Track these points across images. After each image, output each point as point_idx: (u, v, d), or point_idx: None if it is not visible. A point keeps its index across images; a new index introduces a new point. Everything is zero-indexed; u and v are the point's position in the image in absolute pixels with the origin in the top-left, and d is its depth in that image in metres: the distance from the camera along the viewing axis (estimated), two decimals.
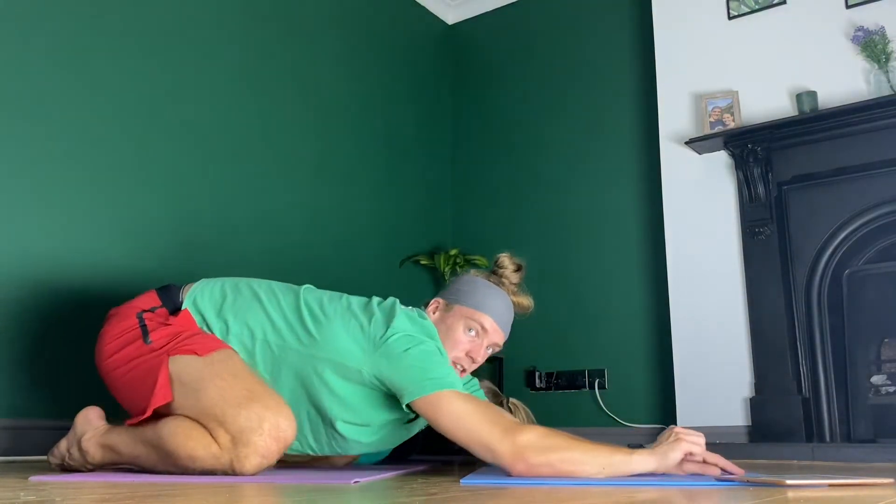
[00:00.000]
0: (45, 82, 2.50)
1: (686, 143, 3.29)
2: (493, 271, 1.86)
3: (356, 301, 1.75)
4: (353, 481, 1.44)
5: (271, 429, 1.54)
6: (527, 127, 4.07)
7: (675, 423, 3.19)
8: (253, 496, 1.13)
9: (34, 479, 1.53)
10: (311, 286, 1.82)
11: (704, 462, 1.53)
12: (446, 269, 3.79)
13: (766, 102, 3.20)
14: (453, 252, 3.84)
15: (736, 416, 3.05)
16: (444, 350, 1.69)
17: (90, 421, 1.77)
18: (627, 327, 3.55)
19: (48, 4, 2.53)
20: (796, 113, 3.05)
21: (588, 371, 3.60)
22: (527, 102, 4.10)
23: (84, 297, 2.53)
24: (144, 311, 1.75)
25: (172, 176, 2.85)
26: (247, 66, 3.20)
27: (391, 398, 1.66)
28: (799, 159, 3.08)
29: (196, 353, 1.63)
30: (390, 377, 1.60)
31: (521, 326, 1.93)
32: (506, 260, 1.85)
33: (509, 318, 1.82)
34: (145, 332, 1.70)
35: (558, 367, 3.68)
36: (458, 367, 1.76)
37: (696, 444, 1.50)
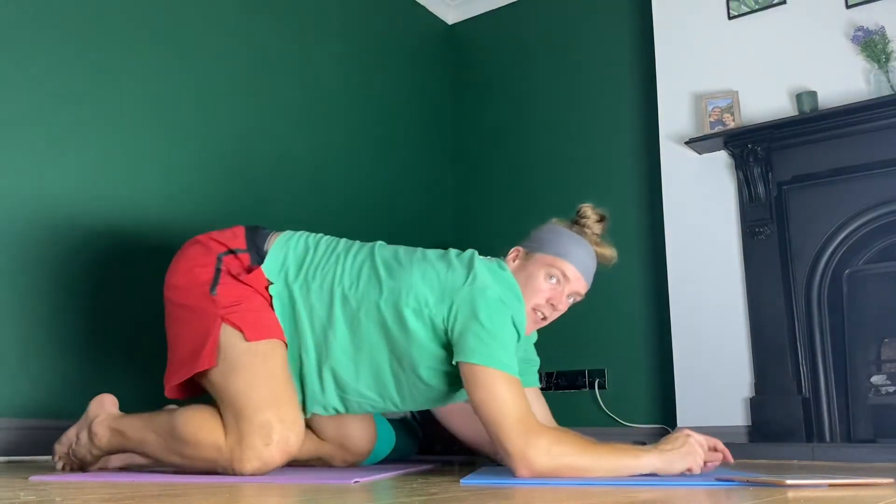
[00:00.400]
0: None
1: (686, 143, 3.29)
2: (575, 221, 1.81)
3: (432, 252, 1.75)
4: (353, 481, 1.44)
5: (280, 441, 1.56)
6: (526, 127, 4.07)
7: (676, 424, 3.19)
8: (253, 496, 1.13)
9: (34, 479, 1.53)
10: (384, 242, 1.81)
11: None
12: None
13: (766, 102, 3.19)
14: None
15: (736, 416, 3.05)
16: (522, 318, 1.65)
17: (104, 405, 1.79)
18: (627, 327, 3.55)
19: None
20: (796, 113, 3.05)
21: (588, 371, 3.60)
22: (527, 102, 4.10)
23: (82, 297, 2.53)
24: (228, 251, 1.74)
25: (176, 169, 2.85)
26: (246, 65, 3.20)
27: None
28: (799, 159, 3.07)
29: (244, 334, 1.63)
30: (455, 327, 1.59)
31: None
32: (588, 210, 1.82)
33: (592, 267, 1.78)
34: (216, 280, 1.69)
35: (558, 367, 3.68)
36: (539, 314, 1.73)
37: (698, 464, 1.52)
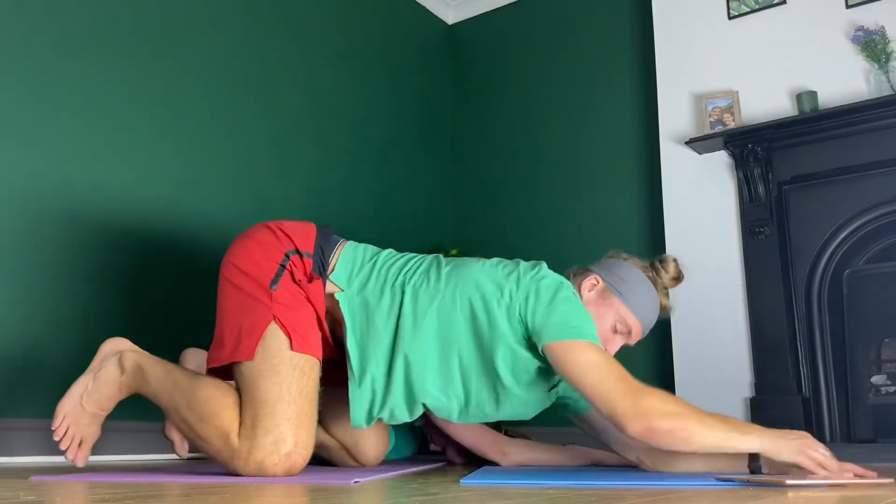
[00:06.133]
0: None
1: (686, 143, 3.29)
2: (653, 265, 1.83)
3: (497, 259, 1.76)
4: (353, 481, 1.44)
5: (286, 460, 1.55)
6: (527, 127, 4.07)
7: None
8: (253, 496, 1.13)
9: (34, 479, 1.54)
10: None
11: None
12: None
13: (766, 102, 3.19)
14: (453, 252, 3.84)
15: (736, 416, 3.04)
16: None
17: (119, 343, 1.79)
18: None
19: None
20: (796, 113, 3.05)
21: None
22: (527, 102, 4.10)
23: (83, 295, 2.53)
24: (296, 252, 1.72)
25: (177, 169, 2.85)
26: (246, 65, 3.20)
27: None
28: (799, 159, 3.07)
29: (291, 342, 1.61)
30: (532, 315, 1.60)
31: None
32: (672, 266, 1.82)
33: (653, 323, 1.81)
34: (278, 276, 1.68)
35: None
36: None
37: (813, 462, 1.43)
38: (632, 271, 1.80)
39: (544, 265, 1.70)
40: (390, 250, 1.83)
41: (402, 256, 1.79)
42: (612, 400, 1.49)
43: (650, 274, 1.81)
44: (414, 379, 1.67)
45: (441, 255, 1.79)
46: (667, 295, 1.83)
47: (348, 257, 1.76)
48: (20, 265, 2.38)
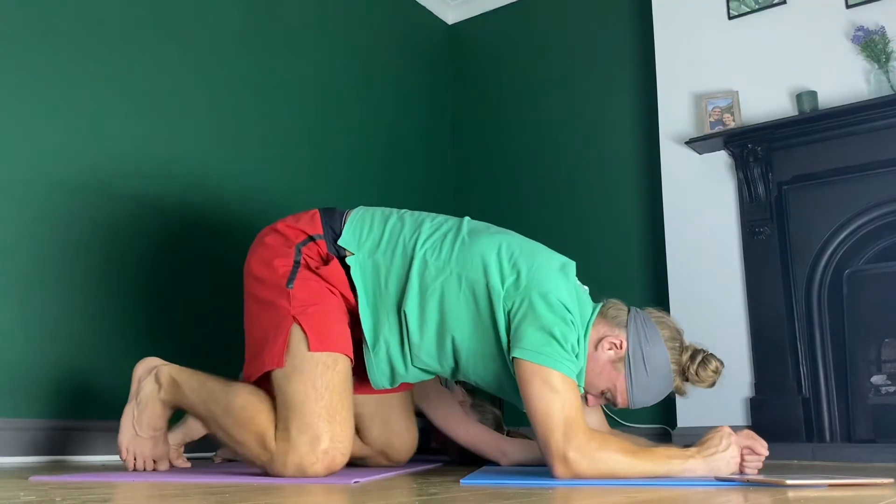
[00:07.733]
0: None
1: (686, 143, 3.29)
2: (693, 356, 1.68)
3: (521, 243, 1.71)
4: (352, 481, 1.44)
5: (325, 458, 1.54)
6: (527, 127, 4.07)
7: (676, 424, 3.19)
8: (252, 496, 1.13)
9: (34, 479, 1.53)
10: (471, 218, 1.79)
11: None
12: None
13: (766, 102, 3.19)
14: None
15: (736, 416, 3.05)
16: (583, 344, 1.62)
17: (146, 361, 1.81)
18: None
19: None
20: (796, 113, 3.05)
21: None
22: (526, 103, 4.10)
23: (83, 293, 2.53)
24: (307, 238, 1.72)
25: (179, 164, 2.85)
26: (245, 63, 3.19)
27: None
28: (799, 159, 3.07)
29: (309, 342, 1.60)
30: (516, 322, 1.56)
31: None
32: (710, 374, 1.68)
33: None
34: (293, 274, 1.68)
35: None
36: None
37: (736, 461, 1.53)
38: (662, 357, 1.66)
39: (562, 275, 1.64)
40: (406, 210, 1.80)
41: (420, 217, 1.76)
42: (547, 439, 1.48)
43: (683, 361, 1.68)
44: (412, 345, 1.68)
45: (464, 221, 1.74)
46: (685, 380, 1.70)
47: (357, 221, 1.75)
48: (15, 270, 2.38)
